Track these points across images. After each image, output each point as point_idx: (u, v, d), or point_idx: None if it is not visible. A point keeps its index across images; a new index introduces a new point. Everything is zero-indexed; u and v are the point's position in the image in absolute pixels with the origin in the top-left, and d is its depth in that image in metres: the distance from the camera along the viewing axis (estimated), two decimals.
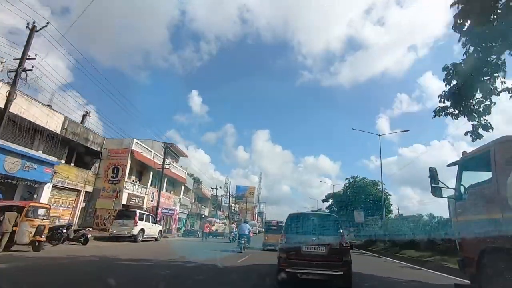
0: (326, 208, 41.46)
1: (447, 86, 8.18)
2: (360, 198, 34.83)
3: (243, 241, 15.19)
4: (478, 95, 7.96)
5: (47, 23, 13.23)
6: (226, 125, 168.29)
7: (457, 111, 8.17)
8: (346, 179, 38.95)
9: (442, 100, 8.26)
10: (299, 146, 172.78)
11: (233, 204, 72.59)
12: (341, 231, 6.83)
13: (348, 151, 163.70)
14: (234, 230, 20.62)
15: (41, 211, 10.90)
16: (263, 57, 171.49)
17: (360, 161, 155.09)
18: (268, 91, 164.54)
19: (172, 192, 34.03)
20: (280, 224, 16.61)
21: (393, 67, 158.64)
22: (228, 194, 52.97)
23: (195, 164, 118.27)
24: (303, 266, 6.32)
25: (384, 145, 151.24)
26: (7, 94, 12.43)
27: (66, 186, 19.86)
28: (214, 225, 32.62)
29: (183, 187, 36.85)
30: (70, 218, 20.30)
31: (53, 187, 18.56)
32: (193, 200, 43.69)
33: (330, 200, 42.11)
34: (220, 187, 49.53)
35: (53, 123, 17.93)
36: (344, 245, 6.48)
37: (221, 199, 52.38)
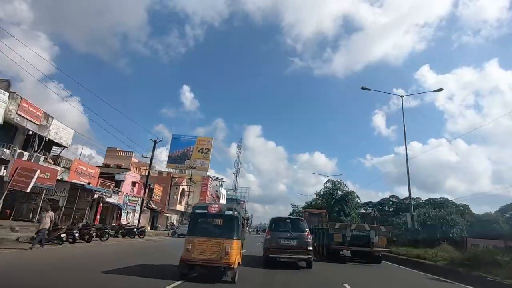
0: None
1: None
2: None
3: None
4: None
5: None
6: (216, 120, 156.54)
7: None
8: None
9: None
10: (293, 142, 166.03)
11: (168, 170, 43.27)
12: (307, 229, 10.04)
13: (343, 147, 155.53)
14: None
15: None
16: (252, 43, 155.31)
17: (356, 159, 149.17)
18: (260, 82, 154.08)
19: None
20: (228, 213, 7.15)
21: (391, 53, 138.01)
22: None
23: None
24: (281, 253, 9.42)
25: (379, 143, 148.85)
26: None
27: None
28: None
29: None
30: None
31: None
32: None
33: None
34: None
35: None
36: (307, 238, 9.68)
37: None
